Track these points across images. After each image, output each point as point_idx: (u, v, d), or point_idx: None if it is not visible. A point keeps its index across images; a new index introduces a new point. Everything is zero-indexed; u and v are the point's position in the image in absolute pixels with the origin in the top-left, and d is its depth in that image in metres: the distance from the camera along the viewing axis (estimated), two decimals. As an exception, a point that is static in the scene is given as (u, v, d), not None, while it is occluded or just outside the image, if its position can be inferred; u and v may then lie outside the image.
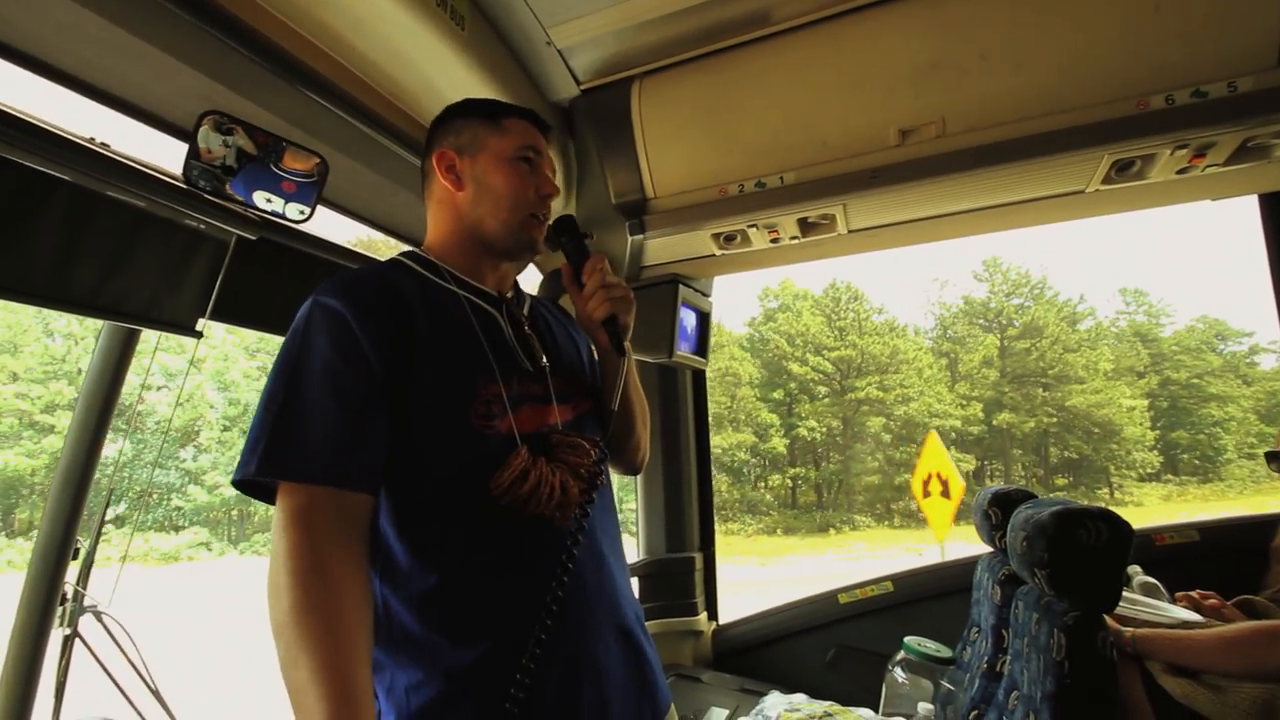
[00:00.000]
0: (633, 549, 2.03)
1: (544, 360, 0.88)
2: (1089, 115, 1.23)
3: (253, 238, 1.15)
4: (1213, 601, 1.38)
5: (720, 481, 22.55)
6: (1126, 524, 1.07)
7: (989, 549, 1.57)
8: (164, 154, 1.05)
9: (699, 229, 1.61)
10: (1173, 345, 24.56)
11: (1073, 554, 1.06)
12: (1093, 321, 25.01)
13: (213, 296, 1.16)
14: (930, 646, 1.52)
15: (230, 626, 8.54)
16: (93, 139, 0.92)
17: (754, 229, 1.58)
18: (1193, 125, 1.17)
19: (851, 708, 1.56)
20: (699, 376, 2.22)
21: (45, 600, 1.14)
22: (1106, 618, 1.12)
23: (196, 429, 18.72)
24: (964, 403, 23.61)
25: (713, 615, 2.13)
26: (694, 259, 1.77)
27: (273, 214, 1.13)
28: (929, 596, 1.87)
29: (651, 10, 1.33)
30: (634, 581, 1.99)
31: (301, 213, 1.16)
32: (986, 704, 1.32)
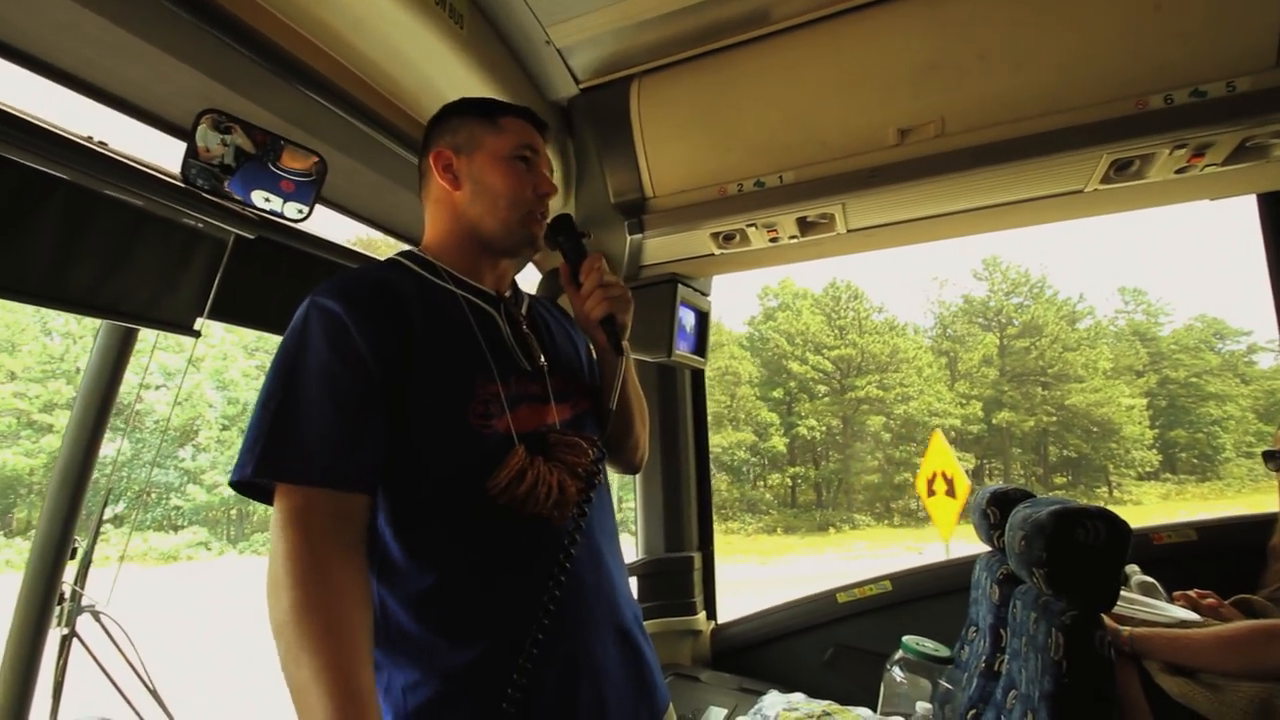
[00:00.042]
0: (631, 548, 2.04)
1: (542, 360, 0.88)
2: (1088, 115, 1.23)
3: (251, 237, 1.15)
4: (1210, 601, 1.39)
5: (720, 480, 22.57)
6: (1124, 523, 1.07)
7: (987, 548, 1.57)
8: (162, 153, 1.05)
9: (698, 228, 1.61)
10: (1171, 344, 24.59)
11: (1071, 553, 1.06)
12: (1092, 320, 25.07)
13: (211, 296, 1.16)
14: (928, 646, 1.53)
15: (229, 626, 8.54)
16: (91, 138, 0.92)
17: (753, 228, 1.58)
18: (1191, 125, 1.17)
19: (850, 707, 1.56)
20: (698, 376, 2.22)
21: (43, 600, 1.14)
22: (1104, 617, 1.12)
23: (195, 428, 18.70)
24: (963, 401, 23.63)
25: (711, 615, 2.13)
26: (693, 258, 1.77)
27: (271, 213, 1.13)
28: (927, 596, 1.87)
29: (650, 9, 1.33)
30: (633, 581, 2.00)
31: (300, 212, 1.16)
32: (984, 703, 1.32)
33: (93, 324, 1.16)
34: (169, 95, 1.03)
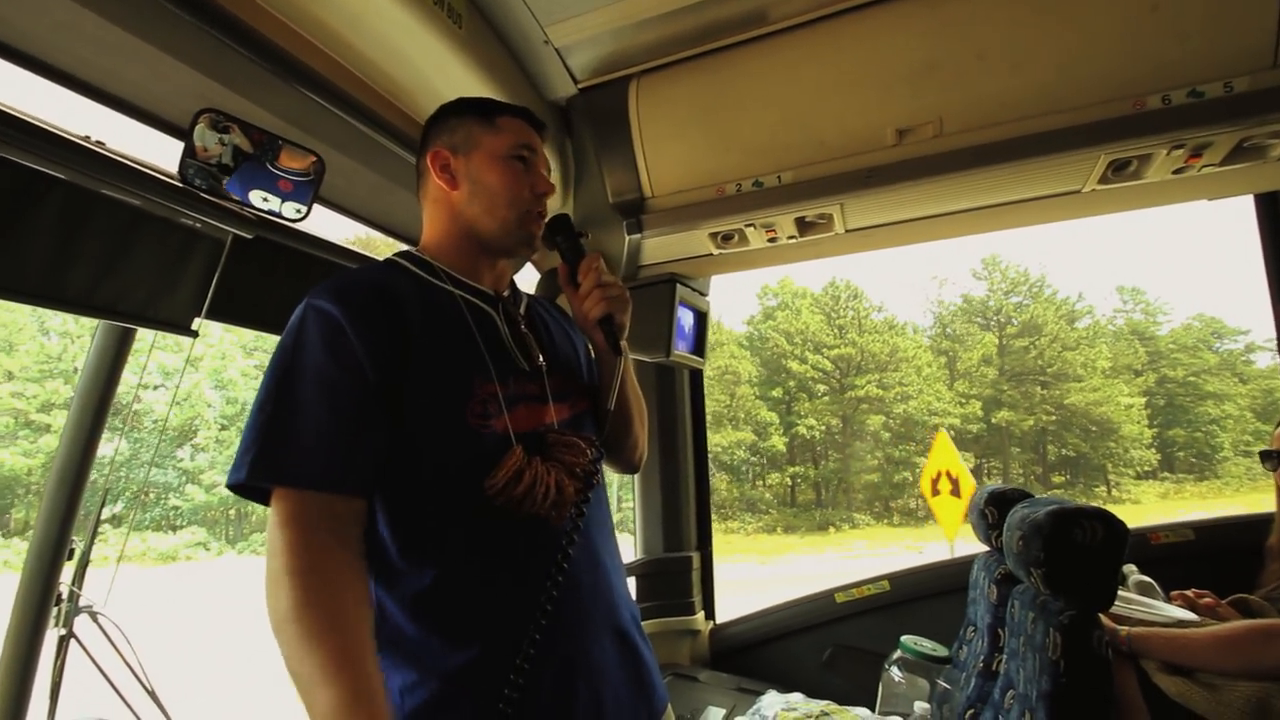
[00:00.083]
0: (630, 548, 2.03)
1: (540, 359, 0.88)
2: (1086, 115, 1.23)
3: (249, 236, 1.15)
4: (1208, 600, 1.39)
5: (720, 480, 22.57)
6: (1122, 523, 1.07)
7: (985, 548, 1.57)
8: (160, 153, 1.05)
9: (696, 228, 1.61)
10: (1170, 343, 24.62)
11: (1068, 553, 1.06)
12: (1090, 319, 25.10)
13: (209, 295, 1.16)
14: (927, 645, 1.53)
15: (228, 627, 8.53)
16: (88, 137, 0.92)
17: (751, 228, 1.58)
18: (1189, 125, 1.17)
19: (848, 707, 1.56)
20: (696, 376, 2.22)
21: (40, 600, 1.14)
22: (1102, 617, 1.12)
23: (194, 428, 18.67)
24: (963, 401, 23.64)
25: (710, 614, 2.13)
26: (691, 258, 1.77)
27: (269, 213, 1.13)
28: (925, 596, 1.87)
29: (649, 9, 1.33)
30: (631, 581, 2.00)
31: (298, 211, 1.16)
32: (982, 703, 1.32)
33: (90, 323, 1.16)
34: (167, 94, 1.03)
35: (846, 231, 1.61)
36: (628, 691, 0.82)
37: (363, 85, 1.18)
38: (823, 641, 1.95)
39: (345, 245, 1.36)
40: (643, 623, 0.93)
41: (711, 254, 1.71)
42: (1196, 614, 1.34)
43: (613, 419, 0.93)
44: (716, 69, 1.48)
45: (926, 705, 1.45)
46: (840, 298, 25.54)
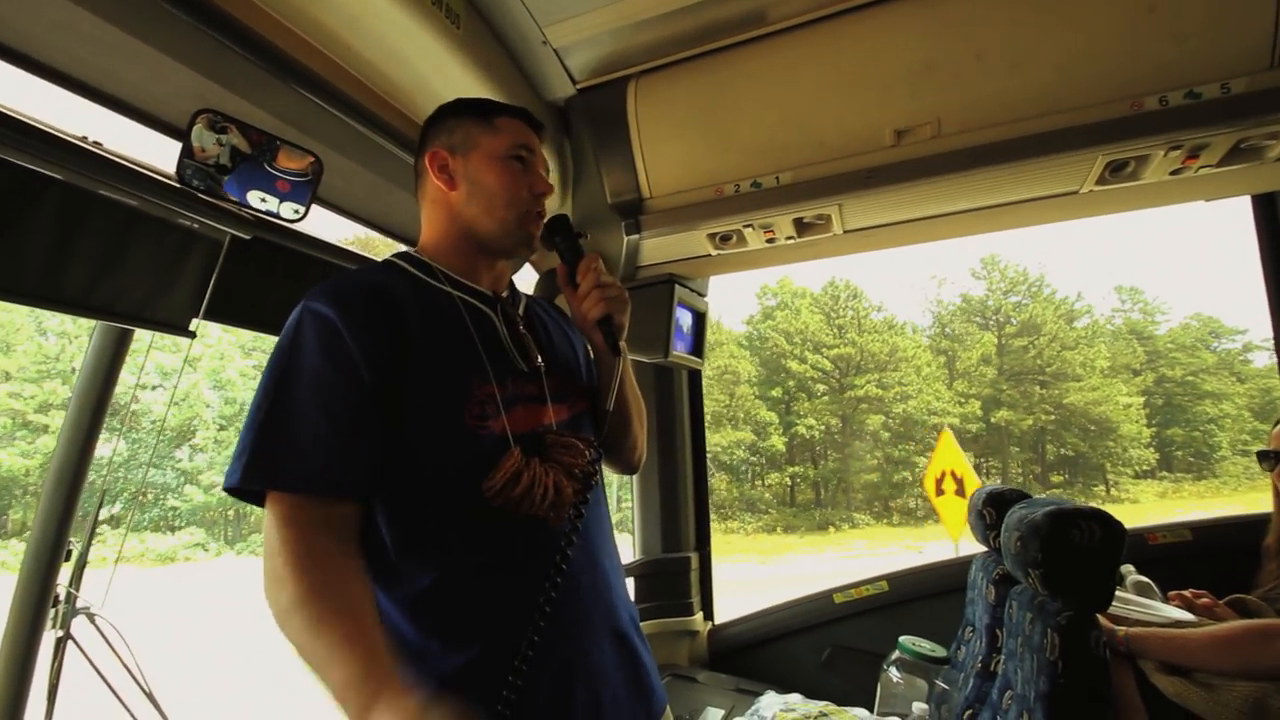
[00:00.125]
0: (629, 549, 2.03)
1: (539, 360, 0.88)
2: (1083, 116, 1.24)
3: (247, 237, 1.15)
4: (1205, 600, 1.39)
5: (719, 480, 22.57)
6: (1119, 524, 1.07)
7: (983, 548, 1.58)
8: (157, 153, 1.05)
9: (695, 229, 1.61)
10: (1168, 343, 24.67)
11: (1066, 554, 1.06)
12: (1089, 319, 25.13)
13: (206, 296, 1.15)
14: (925, 646, 1.53)
15: (227, 627, 8.52)
16: (85, 137, 0.92)
17: (750, 229, 1.58)
18: (1186, 126, 1.18)
19: (847, 707, 1.56)
20: (695, 376, 2.22)
21: (37, 602, 1.13)
22: (1100, 617, 1.12)
23: (192, 428, 18.64)
24: (962, 400, 23.66)
25: (709, 615, 2.13)
26: (690, 259, 1.77)
27: (267, 213, 1.13)
28: (924, 596, 1.87)
29: (648, 9, 1.33)
30: (630, 581, 1.99)
31: (296, 212, 1.16)
32: (981, 703, 1.33)
33: (88, 323, 1.16)
34: (164, 95, 1.03)
35: (845, 232, 1.61)
36: (626, 693, 0.82)
37: (361, 86, 1.17)
38: (821, 642, 1.95)
39: (343, 246, 1.35)
40: (641, 623, 0.93)
41: (710, 254, 1.71)
42: (1194, 614, 1.34)
43: (611, 420, 0.92)
44: (715, 69, 1.48)
45: (925, 706, 1.45)
46: (839, 297, 25.56)
